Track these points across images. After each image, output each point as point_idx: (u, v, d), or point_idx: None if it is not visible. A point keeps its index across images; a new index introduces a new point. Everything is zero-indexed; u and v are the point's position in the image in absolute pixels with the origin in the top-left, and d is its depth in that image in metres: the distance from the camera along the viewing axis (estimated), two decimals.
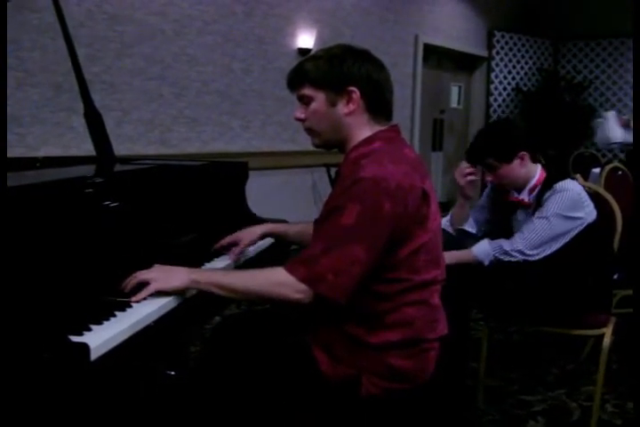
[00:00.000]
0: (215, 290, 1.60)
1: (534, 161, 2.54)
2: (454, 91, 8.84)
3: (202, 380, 1.79)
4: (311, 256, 1.54)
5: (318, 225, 1.63)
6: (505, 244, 2.44)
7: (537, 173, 2.52)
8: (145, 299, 1.56)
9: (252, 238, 2.05)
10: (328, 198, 1.66)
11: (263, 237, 2.10)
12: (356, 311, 1.62)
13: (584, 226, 2.43)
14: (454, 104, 8.66)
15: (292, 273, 1.54)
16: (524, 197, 2.55)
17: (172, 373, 1.78)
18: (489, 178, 2.57)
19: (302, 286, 1.53)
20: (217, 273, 1.70)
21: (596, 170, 4.84)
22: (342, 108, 1.67)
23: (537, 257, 2.41)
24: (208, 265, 1.97)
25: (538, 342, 3.52)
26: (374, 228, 1.53)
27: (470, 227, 2.71)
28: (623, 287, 2.95)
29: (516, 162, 2.49)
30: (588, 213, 2.44)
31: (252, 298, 1.63)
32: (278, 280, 1.56)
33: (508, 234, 2.51)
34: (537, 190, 2.51)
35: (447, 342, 1.75)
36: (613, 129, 4.84)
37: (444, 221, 2.73)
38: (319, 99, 1.68)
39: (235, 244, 2.03)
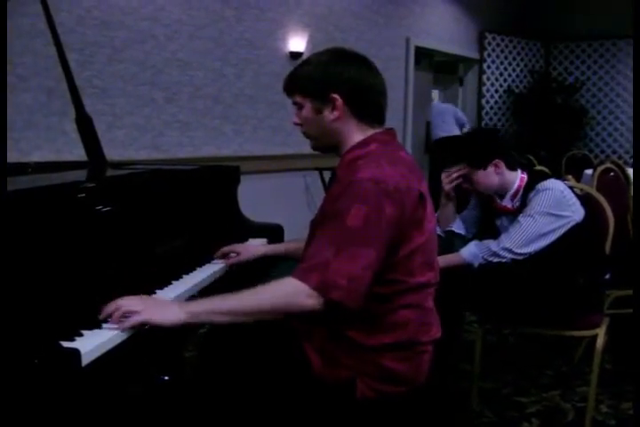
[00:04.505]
0: (217, 318, 1.53)
1: (511, 168, 2.55)
2: None
3: (196, 384, 1.78)
4: (321, 262, 1.51)
5: (320, 228, 1.60)
6: (492, 245, 2.45)
7: (516, 179, 2.54)
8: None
9: (249, 256, 2.14)
10: (325, 200, 1.66)
11: (264, 256, 2.18)
12: (352, 313, 1.61)
13: (572, 225, 2.43)
14: None
15: (305, 281, 1.50)
16: (507, 203, 2.56)
17: (166, 378, 1.78)
18: (464, 185, 2.62)
19: (315, 294, 1.50)
20: (211, 300, 1.57)
21: (589, 171, 4.86)
22: (328, 114, 1.68)
23: (525, 255, 2.42)
24: (199, 269, 1.98)
25: (531, 343, 3.53)
26: (380, 230, 1.52)
27: (458, 228, 2.73)
28: (616, 288, 2.96)
29: (491, 169, 2.52)
30: (575, 211, 2.45)
31: (263, 316, 1.54)
32: (290, 291, 1.52)
33: (495, 237, 2.51)
34: (520, 195, 2.52)
35: (440, 344, 1.75)
36: None
37: None
38: (307, 106, 1.71)
39: (233, 252, 2.14)
